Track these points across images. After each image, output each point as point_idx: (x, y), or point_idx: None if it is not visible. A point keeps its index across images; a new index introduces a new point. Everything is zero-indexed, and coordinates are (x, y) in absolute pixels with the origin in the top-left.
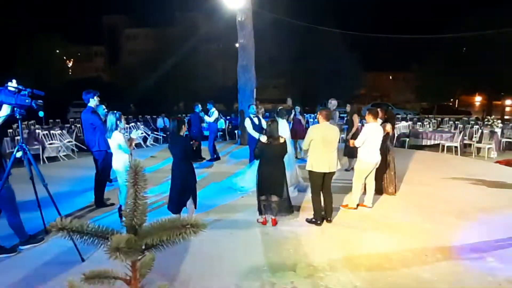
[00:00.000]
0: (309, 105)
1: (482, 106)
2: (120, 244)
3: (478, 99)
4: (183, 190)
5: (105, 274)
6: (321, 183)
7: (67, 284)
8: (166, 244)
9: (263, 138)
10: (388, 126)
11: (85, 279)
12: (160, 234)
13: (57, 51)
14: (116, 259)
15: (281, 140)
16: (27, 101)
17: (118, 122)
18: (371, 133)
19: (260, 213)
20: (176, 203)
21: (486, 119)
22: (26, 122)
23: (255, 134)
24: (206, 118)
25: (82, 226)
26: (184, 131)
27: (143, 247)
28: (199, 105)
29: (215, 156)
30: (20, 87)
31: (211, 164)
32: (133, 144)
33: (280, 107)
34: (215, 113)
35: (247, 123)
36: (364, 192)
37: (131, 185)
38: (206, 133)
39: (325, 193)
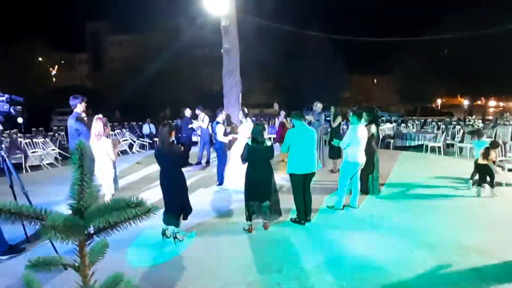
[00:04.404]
0: (296, 109)
1: (464, 107)
2: (56, 222)
3: (460, 100)
4: (179, 199)
5: (52, 261)
6: (302, 184)
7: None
8: (114, 228)
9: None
10: (373, 128)
11: (31, 266)
12: (106, 216)
13: (40, 58)
14: (54, 239)
15: (268, 144)
16: (5, 107)
17: (104, 127)
18: (356, 134)
19: (249, 219)
20: (176, 215)
21: (467, 120)
22: (8, 131)
23: (226, 139)
24: (200, 123)
25: (20, 208)
26: (173, 137)
27: (91, 231)
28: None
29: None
30: None
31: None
32: (117, 151)
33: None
34: (206, 118)
35: (219, 129)
36: (350, 193)
37: (76, 166)
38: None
39: (305, 193)
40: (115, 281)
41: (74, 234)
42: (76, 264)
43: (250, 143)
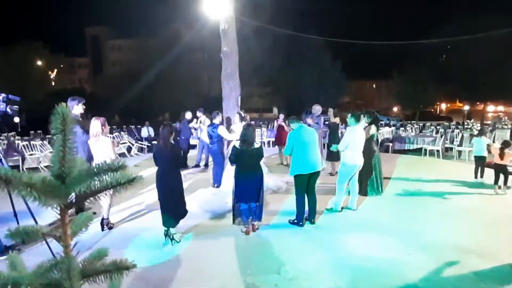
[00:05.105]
0: (295, 113)
1: (464, 112)
2: (32, 179)
3: (459, 105)
4: (176, 200)
5: (32, 230)
6: (306, 184)
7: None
8: (96, 195)
9: (237, 143)
10: (373, 129)
11: (11, 235)
12: (88, 182)
13: (39, 62)
14: (30, 198)
15: (257, 145)
16: (1, 106)
17: (103, 127)
18: (354, 136)
19: (234, 221)
20: (172, 216)
21: (465, 123)
22: (5, 134)
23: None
24: (201, 125)
25: None
26: (172, 138)
27: (73, 199)
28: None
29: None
30: None
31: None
32: (116, 150)
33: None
34: (207, 121)
35: (222, 130)
36: (348, 195)
37: (58, 131)
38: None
39: (309, 194)
40: (100, 256)
41: (54, 197)
42: (58, 234)
43: (237, 146)
